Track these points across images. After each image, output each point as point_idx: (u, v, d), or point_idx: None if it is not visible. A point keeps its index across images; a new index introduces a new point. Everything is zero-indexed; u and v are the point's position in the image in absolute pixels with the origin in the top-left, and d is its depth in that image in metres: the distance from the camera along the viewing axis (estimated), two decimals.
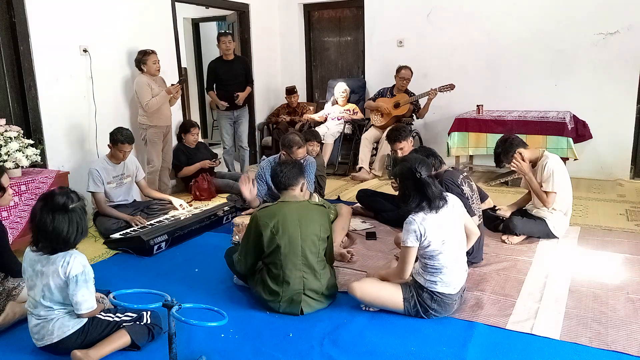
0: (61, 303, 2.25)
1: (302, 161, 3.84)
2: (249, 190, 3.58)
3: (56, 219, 2.17)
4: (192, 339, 2.44)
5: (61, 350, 2.27)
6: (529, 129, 5.06)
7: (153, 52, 4.68)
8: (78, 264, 2.20)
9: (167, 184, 5.08)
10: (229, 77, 5.63)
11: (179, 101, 5.43)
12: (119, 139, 3.95)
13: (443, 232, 2.49)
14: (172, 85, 4.72)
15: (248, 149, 6.00)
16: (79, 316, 2.26)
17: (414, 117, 5.95)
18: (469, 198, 3.15)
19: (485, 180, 5.58)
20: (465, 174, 3.30)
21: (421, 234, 2.46)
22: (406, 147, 4.00)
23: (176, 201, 4.35)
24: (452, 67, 6.06)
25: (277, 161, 3.92)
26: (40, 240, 2.22)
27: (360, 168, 5.83)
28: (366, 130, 6.05)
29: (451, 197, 2.64)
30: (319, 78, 7.29)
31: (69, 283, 2.19)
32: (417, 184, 2.48)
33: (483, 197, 3.82)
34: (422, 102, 5.83)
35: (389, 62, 6.17)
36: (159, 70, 4.74)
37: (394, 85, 5.93)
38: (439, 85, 5.56)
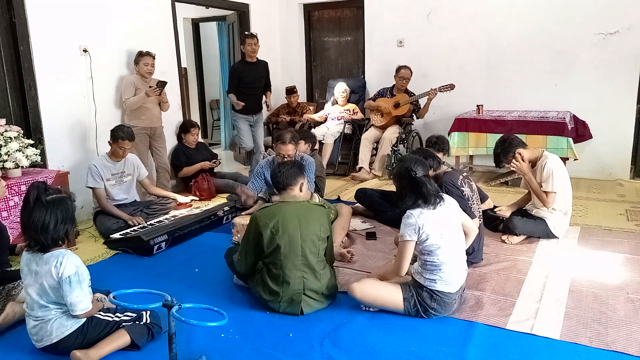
0: (56, 303, 2.25)
1: (298, 158, 3.84)
2: (246, 193, 3.74)
3: (35, 212, 2.17)
4: (192, 339, 2.44)
5: (61, 350, 2.27)
6: (529, 129, 5.06)
7: (148, 54, 4.68)
8: (71, 264, 2.19)
9: (165, 185, 5.08)
10: (251, 80, 5.46)
11: (178, 101, 5.44)
12: (120, 135, 3.97)
13: (441, 226, 2.52)
14: (150, 87, 4.64)
15: (264, 152, 5.82)
16: (75, 317, 2.26)
17: (414, 117, 5.95)
18: (470, 199, 3.15)
19: (485, 180, 5.58)
20: (465, 174, 3.30)
21: (419, 227, 2.48)
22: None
23: (182, 198, 4.38)
24: (452, 67, 6.07)
25: (275, 160, 3.91)
26: (29, 238, 2.21)
27: (360, 168, 5.84)
28: (366, 130, 6.06)
29: (447, 197, 2.69)
30: (319, 78, 7.29)
31: (62, 284, 2.18)
32: (413, 183, 2.53)
33: (483, 198, 3.82)
34: (422, 102, 5.83)
35: (389, 62, 6.18)
36: (149, 72, 4.72)
37: (394, 85, 5.93)
38: (439, 85, 5.56)
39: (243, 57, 5.57)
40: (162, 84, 4.67)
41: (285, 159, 3.73)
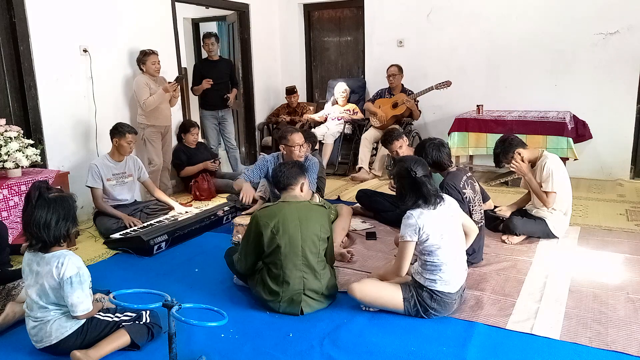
0: (56, 304, 2.24)
1: (304, 160, 3.83)
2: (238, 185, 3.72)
3: (37, 210, 2.17)
4: (192, 339, 2.44)
5: (60, 351, 2.27)
6: (529, 129, 5.06)
7: (153, 52, 4.69)
8: (72, 265, 2.19)
9: (166, 184, 5.09)
10: (213, 77, 5.66)
11: (179, 101, 5.44)
12: (126, 129, 3.98)
13: (441, 226, 2.52)
14: (169, 83, 4.71)
15: (237, 148, 6.07)
16: (75, 318, 2.25)
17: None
18: (471, 201, 3.14)
19: (485, 180, 5.58)
20: (469, 174, 3.29)
21: (419, 228, 2.48)
22: (403, 145, 4.04)
23: (179, 207, 4.29)
24: (452, 67, 6.06)
25: (280, 157, 3.91)
26: (30, 238, 2.21)
27: (360, 168, 5.84)
28: (366, 130, 6.05)
29: (447, 197, 2.69)
30: (319, 78, 7.29)
31: (63, 285, 2.17)
32: (413, 183, 2.54)
33: (485, 198, 3.82)
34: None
35: (389, 62, 6.15)
36: (158, 70, 4.74)
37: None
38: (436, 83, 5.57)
39: (206, 56, 5.84)
40: (179, 79, 4.73)
41: (301, 150, 3.75)
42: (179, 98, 5.35)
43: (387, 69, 5.86)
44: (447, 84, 5.51)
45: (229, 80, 5.87)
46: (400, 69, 5.85)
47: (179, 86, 4.84)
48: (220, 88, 5.74)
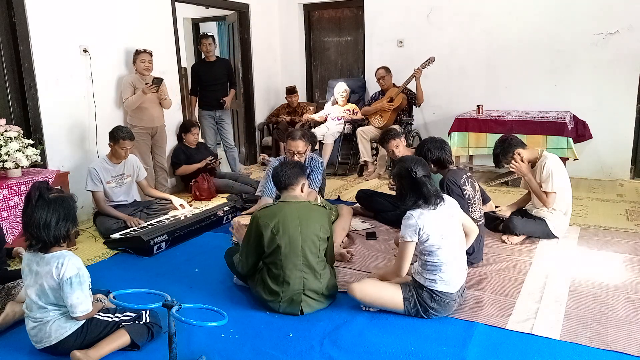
0: (55, 305, 2.24)
1: (309, 160, 3.82)
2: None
3: (37, 210, 2.17)
4: (192, 339, 2.44)
5: (60, 351, 2.27)
6: (529, 129, 5.06)
7: (144, 51, 4.69)
8: (72, 266, 2.19)
9: (164, 185, 5.08)
10: (210, 78, 5.69)
11: (178, 101, 5.44)
12: (120, 135, 3.96)
13: (441, 227, 2.52)
14: (147, 85, 4.64)
15: (235, 148, 6.09)
16: (74, 319, 2.25)
17: (414, 106, 5.91)
18: (471, 198, 3.15)
19: (485, 180, 5.58)
20: (470, 174, 3.30)
21: (420, 229, 2.48)
22: (400, 145, 4.06)
23: (176, 200, 4.36)
24: (452, 67, 6.07)
25: (285, 159, 3.91)
26: (30, 238, 2.20)
27: (365, 162, 5.84)
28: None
29: (447, 197, 2.69)
30: (319, 78, 7.29)
31: (63, 285, 2.17)
32: (413, 183, 2.54)
33: (485, 200, 3.82)
34: (414, 89, 5.78)
35: (389, 62, 6.17)
36: (147, 69, 4.71)
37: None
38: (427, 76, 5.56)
39: (203, 57, 5.84)
40: (158, 81, 4.67)
41: (295, 157, 3.70)
42: (178, 99, 5.34)
43: (375, 73, 5.90)
44: (431, 60, 5.54)
45: (227, 81, 5.86)
46: (387, 70, 5.88)
47: (157, 88, 4.65)
48: (217, 89, 5.74)
